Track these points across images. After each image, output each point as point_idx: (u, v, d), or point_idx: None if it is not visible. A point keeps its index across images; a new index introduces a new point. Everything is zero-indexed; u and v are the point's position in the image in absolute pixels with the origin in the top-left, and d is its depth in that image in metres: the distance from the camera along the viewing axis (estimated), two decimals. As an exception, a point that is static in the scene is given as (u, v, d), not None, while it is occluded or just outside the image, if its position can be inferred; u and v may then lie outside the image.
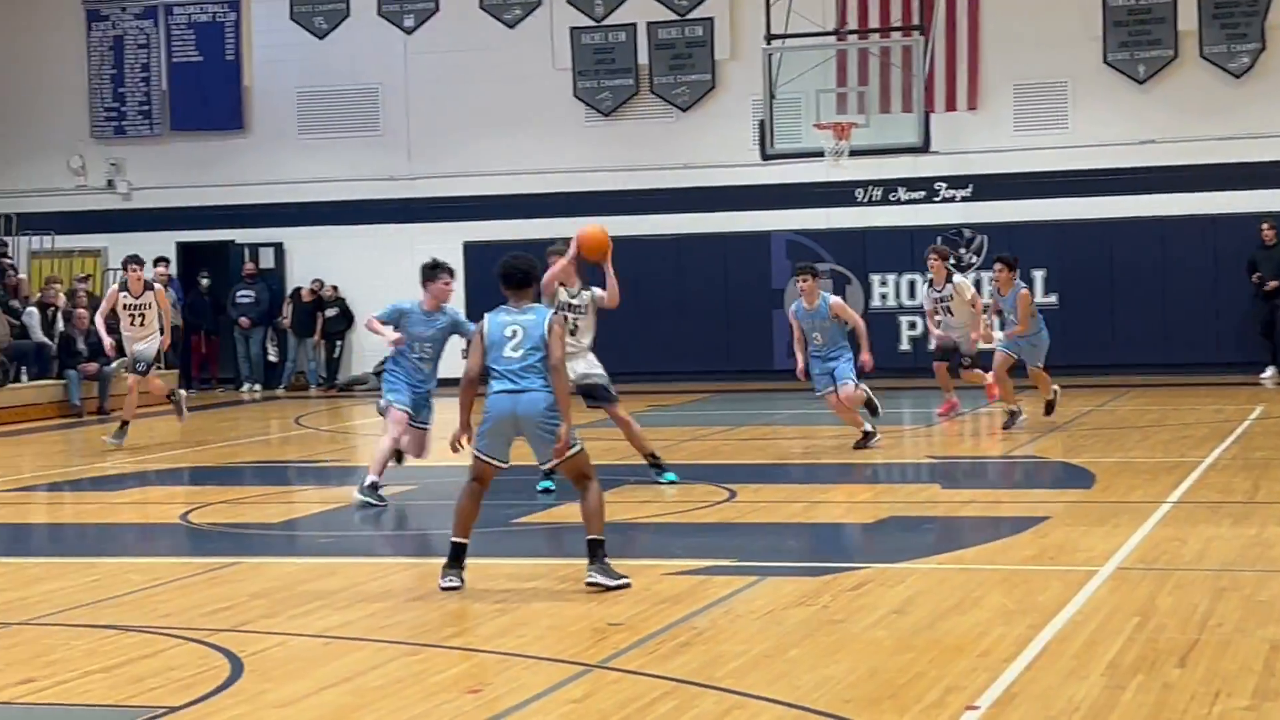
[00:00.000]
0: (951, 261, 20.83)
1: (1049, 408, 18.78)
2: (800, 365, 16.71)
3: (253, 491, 15.67)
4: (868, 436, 16.70)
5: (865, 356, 16.46)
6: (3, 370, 23.77)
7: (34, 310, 25.42)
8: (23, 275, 27.35)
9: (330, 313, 28.28)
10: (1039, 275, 25.38)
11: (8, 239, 28.46)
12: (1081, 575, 9.74)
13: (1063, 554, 10.74)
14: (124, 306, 19.37)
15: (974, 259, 25.77)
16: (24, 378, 24.44)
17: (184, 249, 28.94)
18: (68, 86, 29.40)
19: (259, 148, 28.78)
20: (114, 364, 22.03)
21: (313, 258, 28.46)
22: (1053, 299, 25.28)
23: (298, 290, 28.43)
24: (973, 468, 16.73)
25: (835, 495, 14.29)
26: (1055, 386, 18.83)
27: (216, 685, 7.62)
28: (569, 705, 7.17)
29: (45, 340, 25.04)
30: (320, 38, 28.62)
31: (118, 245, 28.85)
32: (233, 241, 29.02)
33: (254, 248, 28.96)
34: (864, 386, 16.68)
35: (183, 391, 21.49)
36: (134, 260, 19.98)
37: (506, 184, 27.31)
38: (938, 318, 19.35)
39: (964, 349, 19.09)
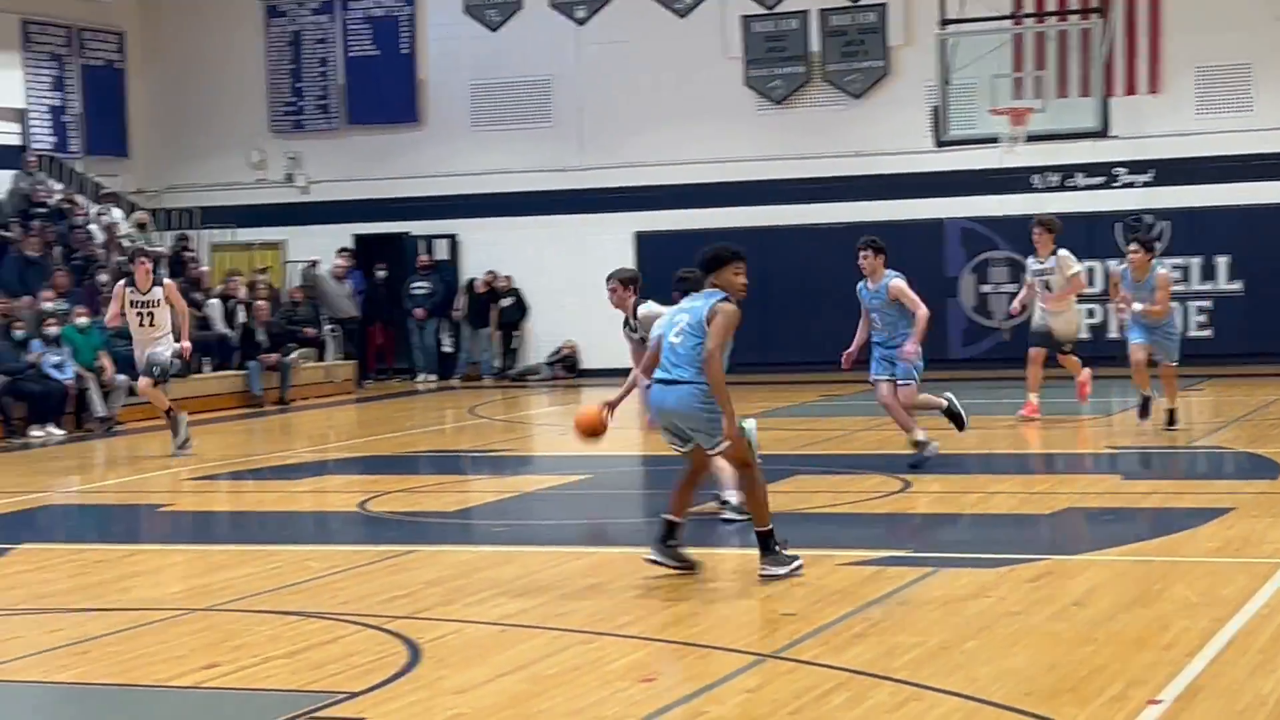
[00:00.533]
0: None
1: (1170, 418, 17.10)
2: (847, 351, 15.18)
3: (428, 480, 15.86)
4: (920, 446, 14.75)
5: (910, 346, 14.59)
6: (186, 361, 24.26)
7: (216, 302, 25.97)
8: (205, 268, 27.95)
9: (504, 303, 28.52)
10: (1223, 261, 24.88)
11: (191, 233, 29.08)
12: (1267, 568, 9.56)
13: (1248, 546, 10.54)
14: (131, 303, 17.58)
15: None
16: (206, 368, 24.94)
17: (360, 241, 29.34)
18: (247, 82, 29.95)
19: (433, 140, 29.08)
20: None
21: (486, 249, 28.70)
22: (1237, 286, 24.75)
23: (472, 281, 28.70)
24: (1154, 458, 16.41)
25: (1010, 485, 14.12)
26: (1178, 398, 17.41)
27: (395, 671, 7.74)
28: (743, 695, 7.17)
29: (227, 332, 25.58)
30: (493, 30, 28.83)
31: (297, 238, 29.42)
32: (407, 233, 29.37)
33: (428, 239, 29.28)
34: (948, 396, 15.32)
35: (185, 415, 18.52)
36: (142, 253, 18.66)
37: (677, 174, 27.32)
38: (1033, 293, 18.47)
39: (1061, 335, 18.23)
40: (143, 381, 17.74)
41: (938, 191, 26.30)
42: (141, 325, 17.54)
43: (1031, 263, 18.50)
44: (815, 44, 27.30)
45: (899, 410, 14.77)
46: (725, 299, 9.65)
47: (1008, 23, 24.89)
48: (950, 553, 10.55)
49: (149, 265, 17.84)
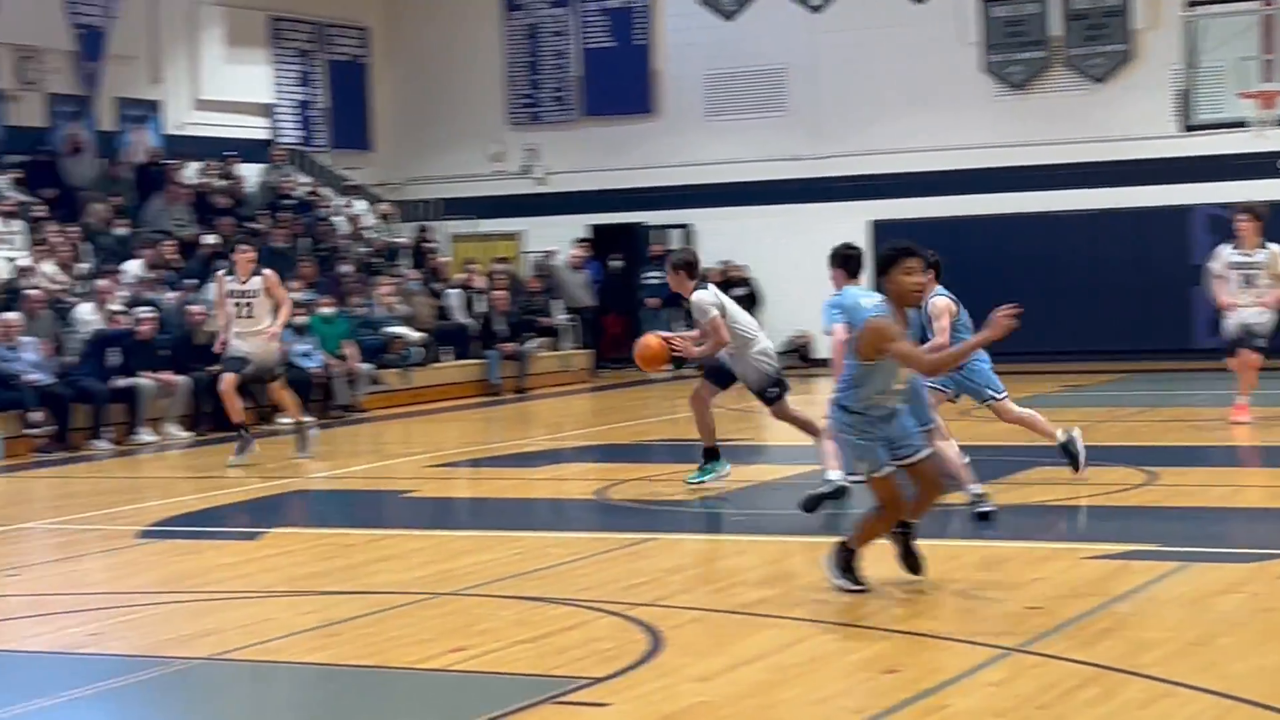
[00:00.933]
0: None
1: None
2: None
3: (664, 469, 15.88)
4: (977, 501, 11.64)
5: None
6: (426, 350, 24.72)
7: (455, 292, 26.39)
8: (445, 258, 28.42)
9: (737, 293, 28.47)
10: None
11: (432, 224, 29.58)
12: None
13: None
14: (229, 293, 16.81)
15: None
16: (446, 358, 25.36)
17: (596, 231, 29.56)
18: (486, 76, 30.35)
19: (668, 131, 29.20)
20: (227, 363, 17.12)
21: (719, 238, 28.67)
22: None
23: (705, 271, 28.74)
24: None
25: (1261, 479, 13.76)
26: None
27: (637, 658, 7.77)
28: (988, 688, 7.08)
29: (466, 321, 25.97)
30: (728, 19, 28.85)
31: (535, 229, 29.74)
32: (641, 223, 29.52)
33: (662, 229, 29.41)
34: (1031, 413, 13.20)
35: (313, 427, 17.79)
36: (243, 241, 18.07)
37: (914, 161, 27.06)
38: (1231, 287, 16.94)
39: (1260, 332, 16.70)
40: (227, 379, 16.77)
41: (1183, 177, 25.65)
42: (240, 316, 16.75)
43: (1230, 253, 17.08)
44: (1056, 28, 26.84)
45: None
46: (878, 314, 8.79)
47: (1256, 3, 24.20)
48: (1199, 547, 10.31)
49: (251, 254, 17.06)
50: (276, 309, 16.84)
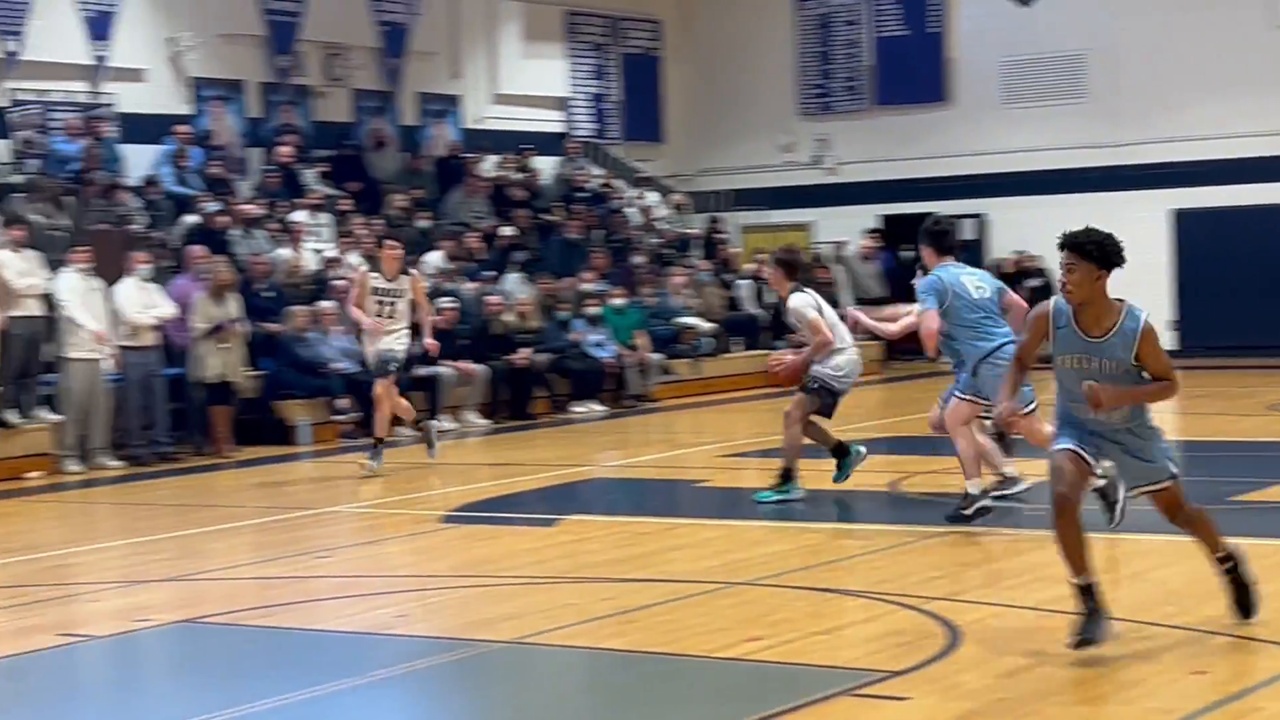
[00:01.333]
0: None
1: None
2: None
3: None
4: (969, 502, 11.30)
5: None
6: (716, 340, 24.84)
7: (745, 283, 26.46)
8: (736, 249, 28.52)
9: (1032, 284, 28.03)
10: None
11: (722, 215, 29.71)
12: None
13: None
14: (373, 290, 15.68)
15: None
16: (736, 348, 25.44)
17: (888, 221, 29.37)
18: (777, 67, 30.37)
19: (962, 119, 28.89)
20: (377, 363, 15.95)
21: (1013, 228, 28.25)
22: None
23: (999, 262, 28.34)
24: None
25: None
26: None
27: (935, 652, 7.73)
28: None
29: (756, 312, 26.03)
30: (1024, 4, 28.37)
31: (825, 219, 29.65)
32: (933, 213, 29.11)
33: (955, 219, 29.00)
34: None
35: (434, 422, 17.42)
36: (390, 237, 16.84)
37: (1219, 148, 26.27)
38: None
39: None
40: (379, 385, 15.69)
41: None
42: (380, 315, 15.63)
43: None
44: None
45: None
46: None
47: None
48: None
49: (398, 252, 15.94)
50: (414, 309, 15.88)
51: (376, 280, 15.64)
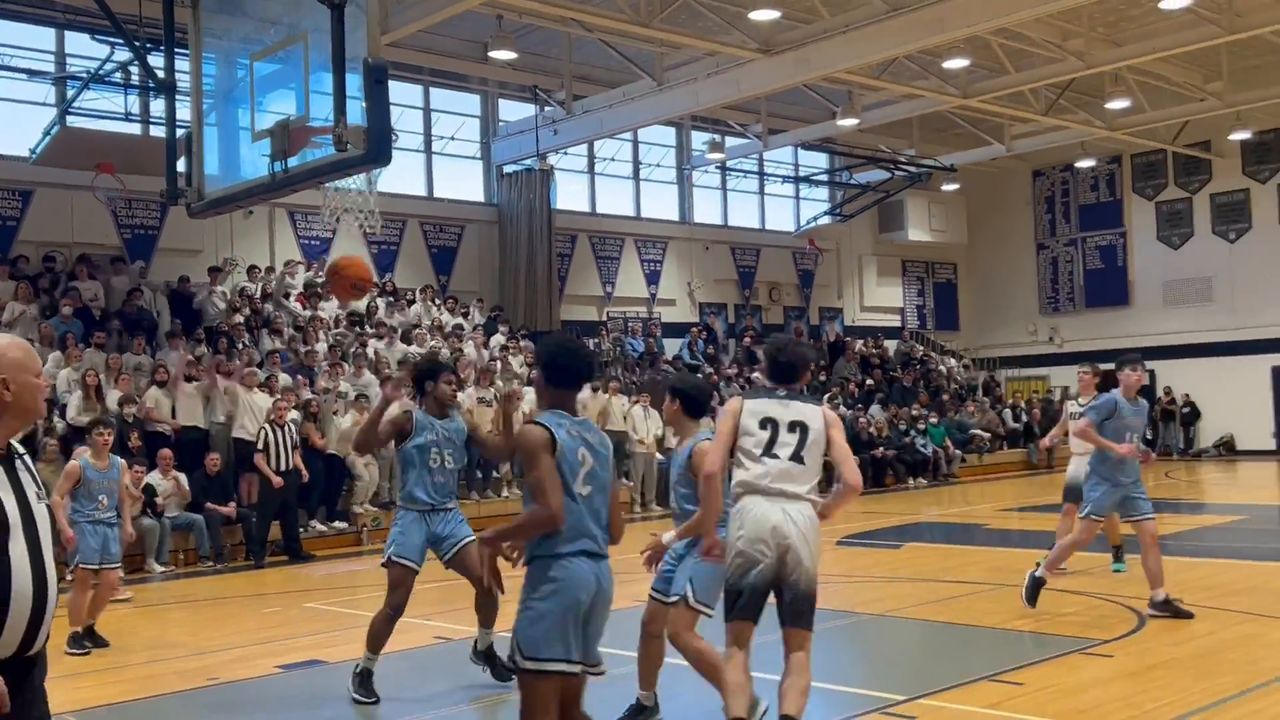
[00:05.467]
0: None
1: None
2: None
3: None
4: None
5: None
6: (991, 442, 24.22)
7: (1008, 410, 25.71)
8: (1003, 390, 27.89)
9: (1185, 411, 26.73)
10: None
11: (995, 371, 28.93)
12: None
13: None
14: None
15: None
16: (1002, 447, 24.65)
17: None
18: (1026, 285, 29.71)
19: (1139, 315, 27.80)
20: None
21: (1174, 380, 26.98)
22: None
23: (1159, 399, 27.11)
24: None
25: None
26: None
27: (1129, 629, 7.29)
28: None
29: (1015, 425, 24.95)
30: (1175, 249, 27.40)
31: (1055, 374, 28.90)
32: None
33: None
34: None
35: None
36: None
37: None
38: None
39: None
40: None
41: None
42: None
43: None
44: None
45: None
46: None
47: None
48: None
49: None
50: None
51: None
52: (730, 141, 23.57)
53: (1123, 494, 7.82)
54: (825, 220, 27.05)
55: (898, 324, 28.81)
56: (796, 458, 4.60)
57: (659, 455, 16.86)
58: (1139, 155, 27.41)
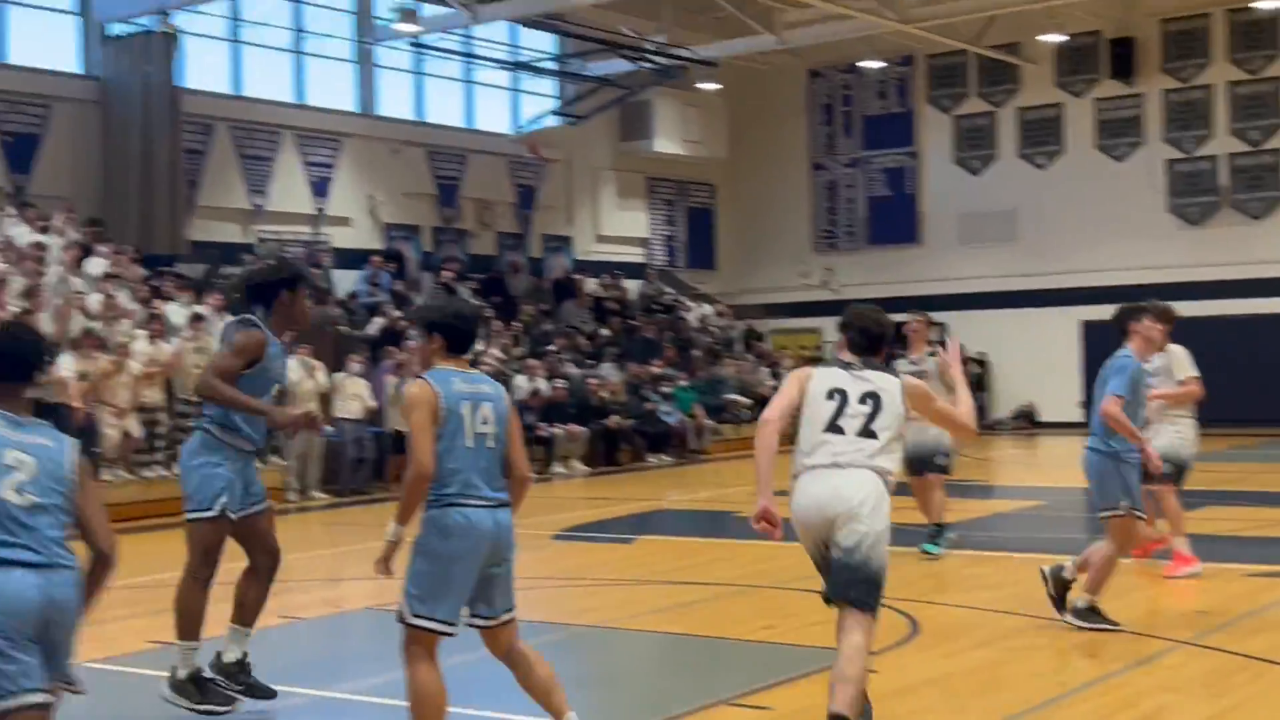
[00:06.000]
0: None
1: None
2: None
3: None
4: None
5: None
6: (752, 410, 24.72)
7: (772, 369, 26.35)
8: (767, 345, 28.51)
9: (975, 371, 27.85)
10: None
11: (756, 322, 29.61)
12: None
13: None
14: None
15: None
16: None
17: (876, 327, 29.22)
18: (797, 215, 30.36)
19: (930, 255, 28.78)
20: None
21: (968, 334, 27.96)
22: None
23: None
24: None
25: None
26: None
27: (900, 639, 7.69)
28: (1165, 672, 6.83)
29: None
30: (975, 174, 28.40)
31: (830, 326, 29.47)
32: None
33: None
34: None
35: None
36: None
37: (1114, 277, 25.99)
38: None
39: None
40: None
41: (1325, 290, 24.24)
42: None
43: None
44: (1224, 179, 25.70)
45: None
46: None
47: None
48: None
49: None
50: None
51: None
52: (428, 9, 22.45)
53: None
54: (552, 122, 26.63)
55: (641, 259, 28.90)
56: None
57: (329, 427, 16.49)
58: (935, 57, 28.26)
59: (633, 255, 28.68)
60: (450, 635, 4.99)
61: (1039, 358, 26.57)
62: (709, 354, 25.92)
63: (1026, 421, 27.34)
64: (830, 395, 5.48)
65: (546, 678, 5.17)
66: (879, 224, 29.46)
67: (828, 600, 5.43)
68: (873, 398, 5.44)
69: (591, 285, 26.24)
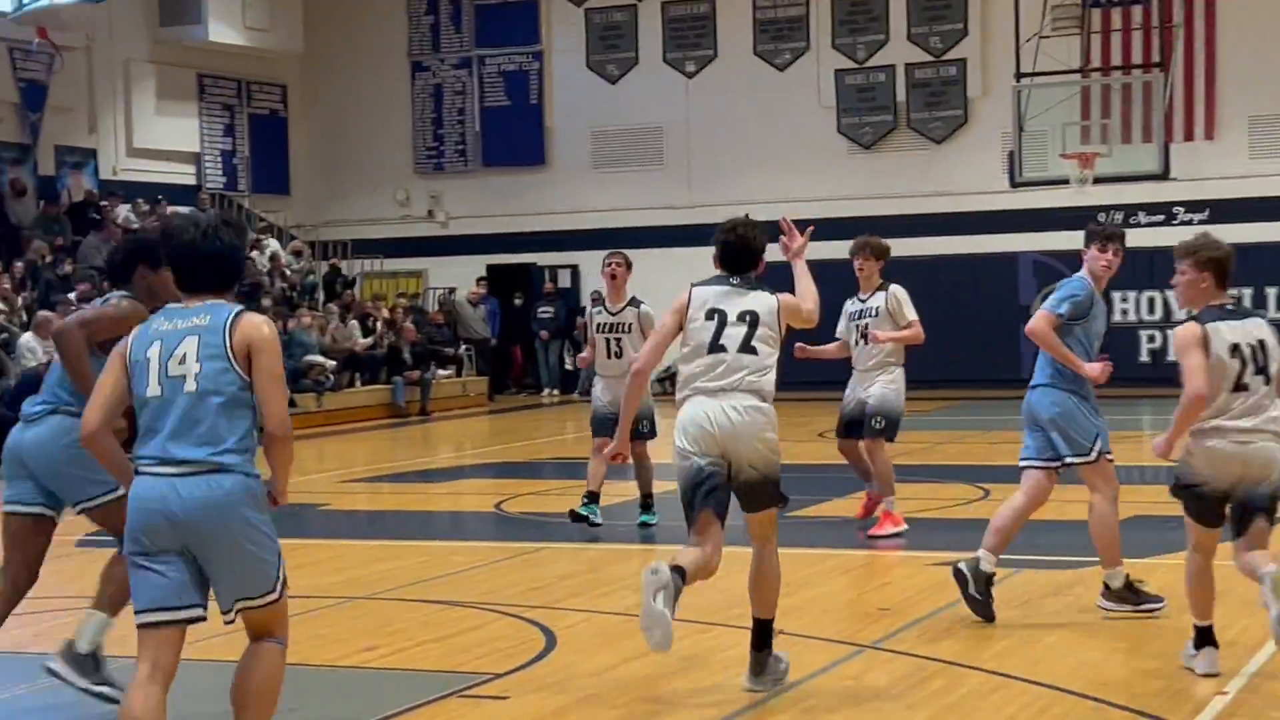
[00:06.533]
0: None
1: None
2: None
3: (555, 484, 15.88)
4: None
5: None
6: (339, 376, 24.52)
7: (364, 323, 26.22)
8: (357, 292, 28.27)
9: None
10: (1272, 292, 24.59)
11: (343, 262, 29.40)
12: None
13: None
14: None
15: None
16: (357, 383, 25.20)
17: (493, 271, 29.51)
18: (395, 129, 30.23)
19: (558, 180, 29.23)
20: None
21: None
22: (1284, 315, 24.43)
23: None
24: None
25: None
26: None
27: (534, 655, 7.78)
28: (848, 681, 7.16)
29: (374, 349, 25.76)
30: (612, 83, 28.98)
31: (436, 268, 29.65)
32: (535, 264, 29.53)
33: (553, 269, 29.42)
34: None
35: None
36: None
37: (776, 210, 26.91)
38: None
39: None
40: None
41: (1012, 228, 26.09)
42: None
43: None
44: (901, 95, 27.23)
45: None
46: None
47: (1077, 76, 24.70)
48: (1029, 555, 10.42)
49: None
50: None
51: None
52: None
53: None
54: (67, -5, 25.50)
55: (191, 180, 28.23)
56: None
57: None
58: (564, -65, 28.69)
59: (180, 175, 28.10)
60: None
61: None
62: (283, 303, 25.57)
63: (671, 385, 28.21)
64: (710, 315, 6.81)
65: (253, 692, 5.30)
66: (496, 141, 29.64)
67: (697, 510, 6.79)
68: (750, 314, 6.78)
69: (124, 213, 25.46)
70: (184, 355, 5.03)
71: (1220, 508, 6.81)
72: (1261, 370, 6.78)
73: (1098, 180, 23.28)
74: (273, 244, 27.99)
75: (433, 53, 29.98)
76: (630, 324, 11.76)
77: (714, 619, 8.45)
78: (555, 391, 28.83)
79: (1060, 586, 9.24)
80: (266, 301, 24.84)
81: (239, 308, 5.13)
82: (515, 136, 29.44)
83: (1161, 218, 25.60)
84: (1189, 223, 25.47)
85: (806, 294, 7.06)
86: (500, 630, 8.47)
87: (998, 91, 25.73)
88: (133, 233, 22.47)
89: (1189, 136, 25.50)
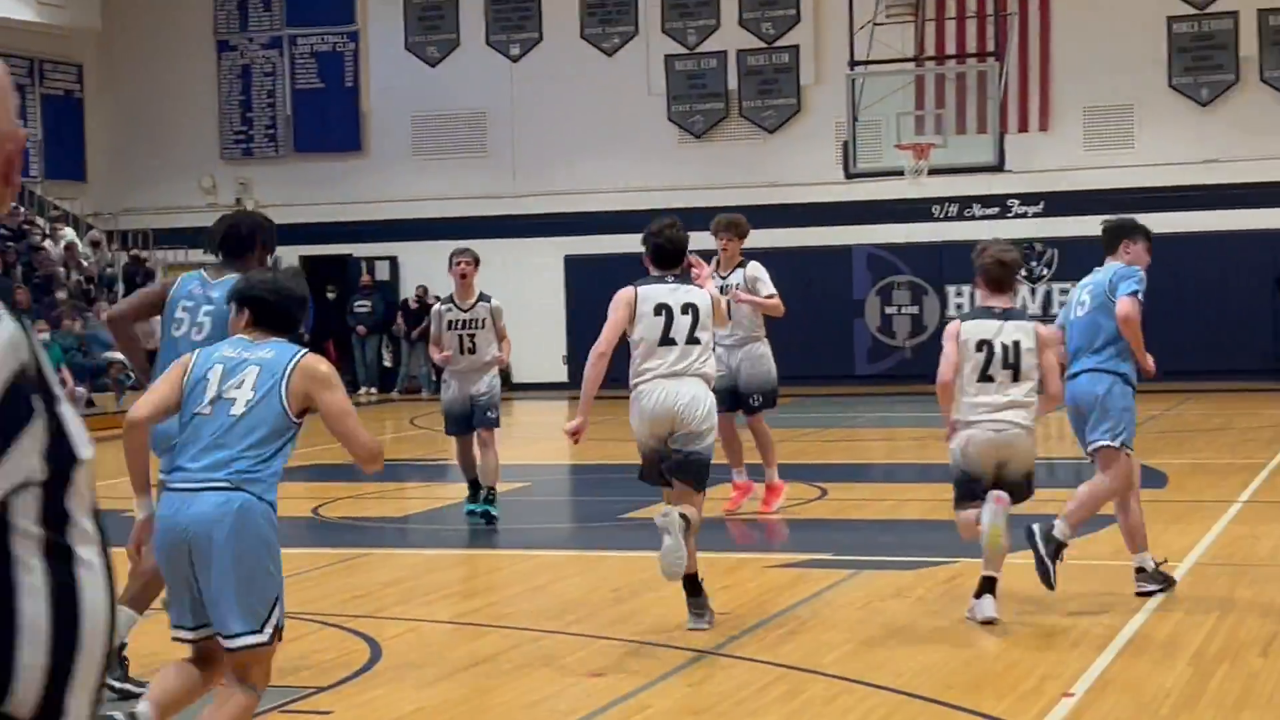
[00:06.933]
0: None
1: None
2: None
3: (374, 488, 15.71)
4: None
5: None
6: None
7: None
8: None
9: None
10: (1107, 286, 25.30)
11: (144, 253, 28.82)
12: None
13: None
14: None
15: (1045, 271, 25.64)
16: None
17: (307, 262, 29.12)
18: (199, 112, 29.75)
19: (376, 168, 28.99)
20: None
21: (424, 270, 28.55)
22: (1119, 309, 25.03)
23: (406, 300, 28.63)
24: (1048, 469, 16.50)
25: (920, 493, 14.20)
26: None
27: (358, 668, 7.70)
28: (687, 689, 7.20)
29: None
30: (432, 66, 28.82)
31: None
32: (351, 255, 29.24)
33: (370, 261, 29.17)
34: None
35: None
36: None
37: (604, 201, 27.31)
38: None
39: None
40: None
41: (846, 220, 26.47)
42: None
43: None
44: (733, 82, 27.45)
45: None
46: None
47: (911, 65, 25.11)
48: (868, 555, 10.58)
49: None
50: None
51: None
52: None
53: None
54: None
55: None
56: None
57: None
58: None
59: (-34, 159, 27.11)
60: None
61: (514, 302, 27.21)
62: (79, 296, 24.98)
63: (502, 383, 28.07)
64: (658, 311, 7.96)
65: None
66: (309, 126, 29.33)
67: (667, 483, 8.17)
68: (691, 308, 7.99)
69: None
70: (242, 382, 5.54)
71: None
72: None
73: (933, 172, 23.70)
74: (68, 233, 27.33)
75: (240, 31, 29.55)
76: (483, 319, 12.15)
77: (547, 626, 8.45)
78: (373, 390, 28.56)
79: (901, 588, 9.36)
80: (61, 295, 24.30)
81: (305, 351, 5.66)
82: (329, 121, 29.15)
83: (996, 210, 26.16)
84: (1024, 215, 26.12)
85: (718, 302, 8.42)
86: (322, 641, 8.37)
87: (832, 80, 26.04)
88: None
89: (1024, 128, 26.09)
